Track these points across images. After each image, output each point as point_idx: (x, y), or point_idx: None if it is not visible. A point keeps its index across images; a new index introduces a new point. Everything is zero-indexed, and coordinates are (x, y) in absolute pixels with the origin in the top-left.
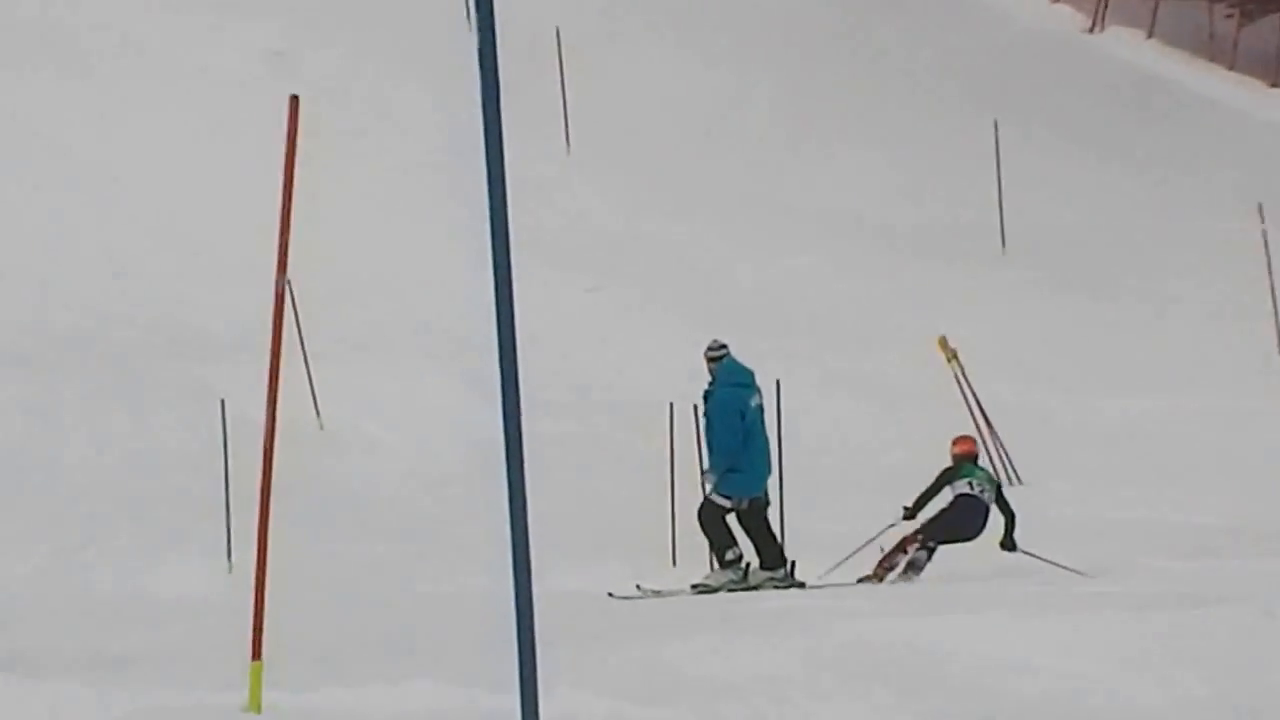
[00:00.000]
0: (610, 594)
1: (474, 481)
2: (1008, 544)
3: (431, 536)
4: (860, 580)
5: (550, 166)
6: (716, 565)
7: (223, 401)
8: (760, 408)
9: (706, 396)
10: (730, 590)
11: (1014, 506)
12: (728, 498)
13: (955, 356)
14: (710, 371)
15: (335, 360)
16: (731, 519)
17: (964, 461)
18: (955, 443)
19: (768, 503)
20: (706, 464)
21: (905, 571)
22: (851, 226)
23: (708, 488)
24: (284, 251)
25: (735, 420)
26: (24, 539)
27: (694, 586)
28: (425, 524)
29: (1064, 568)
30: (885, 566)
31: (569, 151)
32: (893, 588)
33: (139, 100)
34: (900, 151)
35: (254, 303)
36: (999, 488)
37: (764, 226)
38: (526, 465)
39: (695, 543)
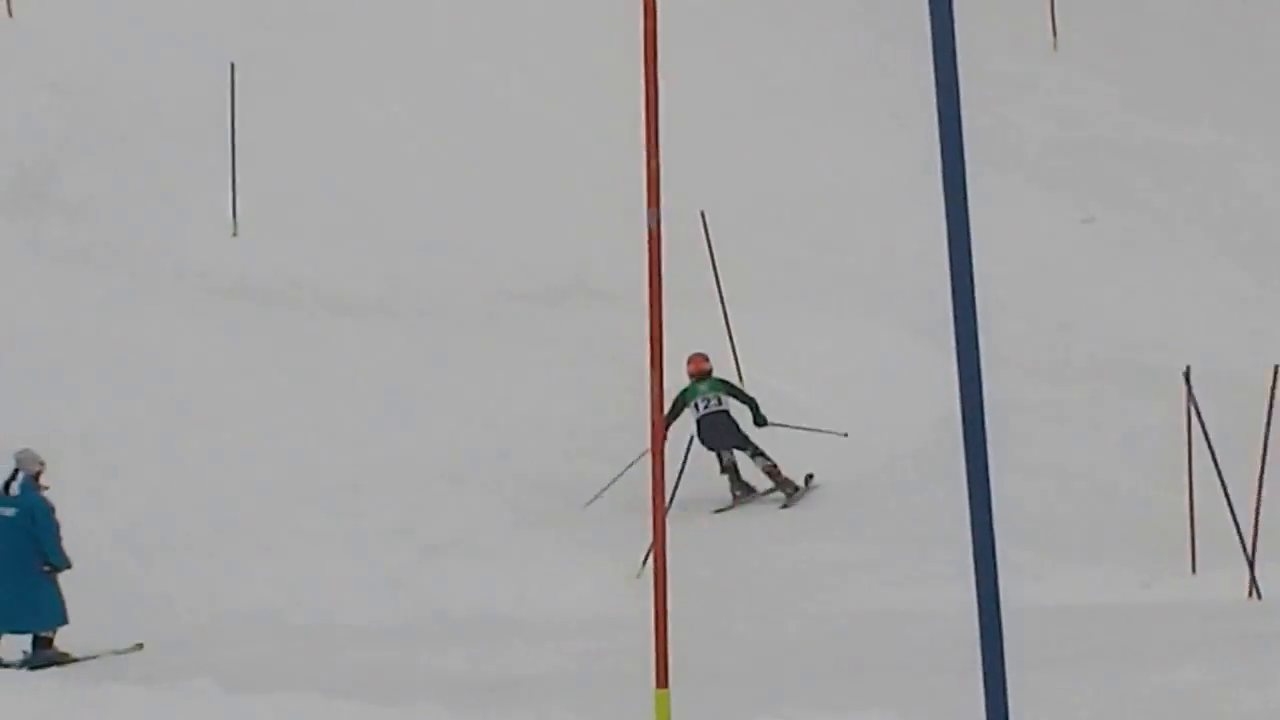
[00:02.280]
0: None
1: (933, 462)
2: (759, 420)
3: (878, 531)
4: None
5: (1031, 60)
6: None
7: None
8: None
9: None
10: None
11: None
12: None
13: None
14: None
15: (754, 310)
16: None
17: (695, 381)
18: (690, 361)
19: None
20: None
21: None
22: None
23: None
24: (653, 180)
25: None
26: (388, 532)
27: None
28: (869, 515)
29: (822, 430)
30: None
31: (1055, 43)
32: None
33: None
34: None
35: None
36: (731, 386)
37: None
38: (1000, 441)
39: (1218, 542)
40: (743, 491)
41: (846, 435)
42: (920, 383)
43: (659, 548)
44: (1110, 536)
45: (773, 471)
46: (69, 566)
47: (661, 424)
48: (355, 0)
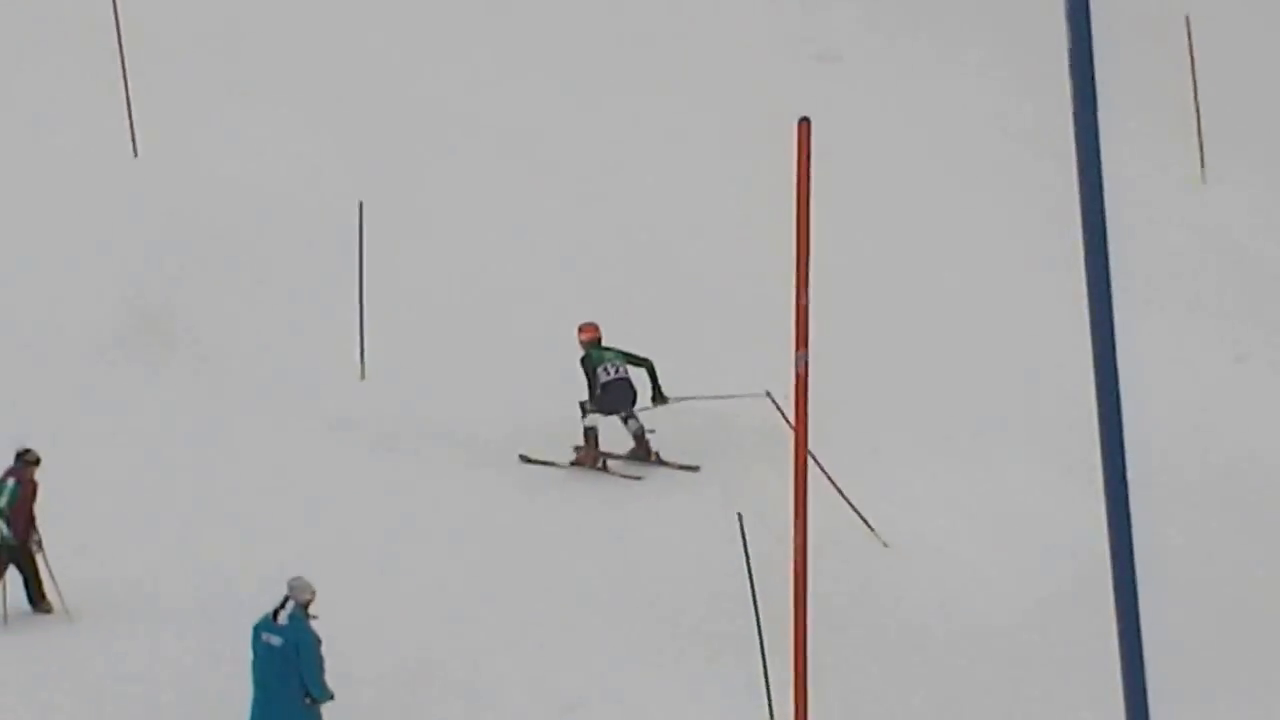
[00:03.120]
0: None
1: (1081, 607)
2: (658, 397)
3: (1023, 682)
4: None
5: (1179, 190)
6: None
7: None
8: None
9: None
10: None
11: None
12: None
13: None
14: None
15: (892, 446)
16: None
17: (593, 348)
18: (581, 330)
19: None
20: None
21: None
22: None
23: None
24: (802, 320)
25: None
26: (527, 686)
27: None
28: (1012, 664)
29: (737, 395)
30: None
31: (1203, 174)
32: None
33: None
34: None
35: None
36: (627, 355)
37: None
38: (1152, 582)
39: None
40: (643, 453)
41: (768, 394)
42: (1066, 522)
43: (800, 687)
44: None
45: (640, 435)
46: (331, 699)
47: (803, 570)
48: (483, 136)
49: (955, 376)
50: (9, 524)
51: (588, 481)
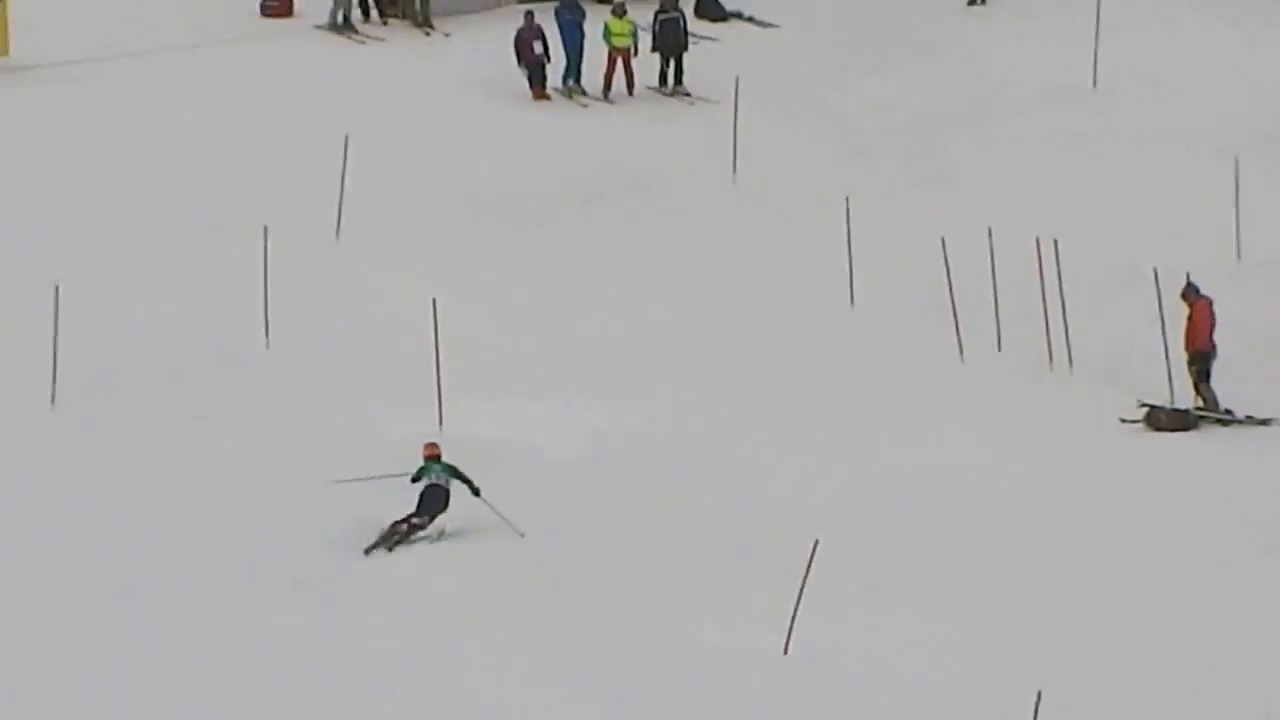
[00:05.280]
0: None
1: None
2: (475, 493)
3: None
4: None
5: None
6: None
7: None
8: None
9: None
10: None
11: None
12: None
13: None
14: None
15: None
16: None
17: (430, 461)
18: (426, 447)
19: None
20: None
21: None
22: None
23: None
24: None
25: None
26: None
27: None
28: None
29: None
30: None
31: None
32: None
33: None
34: None
35: None
36: (455, 470)
37: None
38: None
39: None
40: (401, 537)
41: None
42: None
43: None
44: None
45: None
46: None
47: None
48: None
49: None
50: None
51: None
